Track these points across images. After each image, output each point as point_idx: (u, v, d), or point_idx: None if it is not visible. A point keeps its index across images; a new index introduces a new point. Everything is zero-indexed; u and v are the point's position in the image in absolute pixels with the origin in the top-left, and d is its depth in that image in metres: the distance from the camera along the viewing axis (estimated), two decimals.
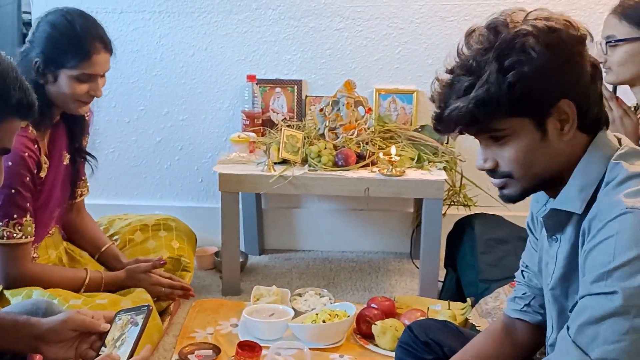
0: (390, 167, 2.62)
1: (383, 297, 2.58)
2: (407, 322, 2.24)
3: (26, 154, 2.12)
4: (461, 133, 1.33)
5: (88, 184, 2.54)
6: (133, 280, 2.38)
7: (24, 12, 4.38)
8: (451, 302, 2.48)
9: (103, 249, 2.51)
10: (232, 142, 2.84)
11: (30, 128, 2.16)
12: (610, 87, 2.19)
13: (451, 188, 2.88)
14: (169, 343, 2.38)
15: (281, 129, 2.75)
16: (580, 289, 1.24)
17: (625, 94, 2.19)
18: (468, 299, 2.45)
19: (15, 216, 2.13)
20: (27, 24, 4.10)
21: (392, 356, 2.10)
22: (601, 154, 1.30)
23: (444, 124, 1.32)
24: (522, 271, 1.60)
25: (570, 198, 1.30)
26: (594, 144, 1.31)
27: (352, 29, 3.07)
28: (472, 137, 1.34)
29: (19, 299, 2.10)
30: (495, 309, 2.23)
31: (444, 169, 2.72)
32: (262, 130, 3.02)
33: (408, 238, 3.19)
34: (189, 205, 3.26)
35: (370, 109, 2.85)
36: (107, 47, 2.21)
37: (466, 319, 2.36)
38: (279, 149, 2.68)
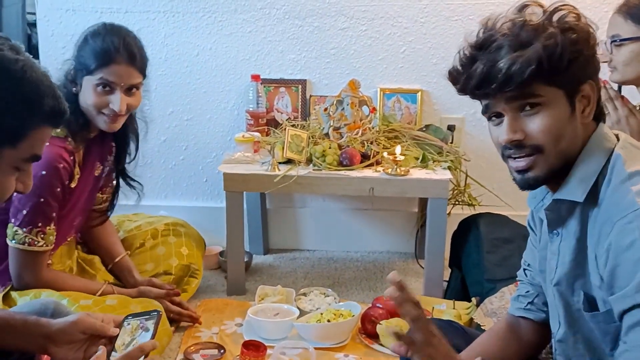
0: (395, 166, 2.62)
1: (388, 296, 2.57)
2: None
3: (61, 165, 2.13)
4: (491, 105, 1.32)
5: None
6: None
7: (29, 13, 4.38)
8: (456, 302, 2.48)
9: (117, 260, 2.52)
10: (237, 141, 2.84)
11: (69, 139, 2.17)
12: (615, 87, 2.19)
13: (456, 187, 2.88)
14: (174, 342, 2.38)
15: (286, 129, 2.75)
16: (618, 302, 1.22)
17: (631, 93, 2.19)
18: (473, 299, 2.45)
19: (39, 224, 2.14)
20: (32, 25, 4.11)
21: (397, 356, 2.10)
22: (602, 145, 1.32)
23: (493, 81, 1.28)
24: (524, 270, 1.60)
25: (572, 188, 1.31)
26: (596, 134, 1.33)
27: (356, 29, 3.07)
28: (482, 129, 1.35)
29: (26, 299, 2.11)
30: (500, 309, 2.23)
31: (449, 168, 2.71)
32: (266, 130, 3.03)
33: (413, 238, 3.19)
34: (193, 205, 3.27)
35: (374, 109, 2.85)
36: (132, 60, 2.19)
37: (471, 319, 2.36)
38: (283, 148, 2.68)
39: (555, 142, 1.29)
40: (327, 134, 2.79)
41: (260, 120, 3.02)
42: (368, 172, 2.66)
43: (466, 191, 2.89)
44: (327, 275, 3.00)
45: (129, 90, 2.20)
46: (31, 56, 1.34)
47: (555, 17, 1.28)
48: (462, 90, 1.36)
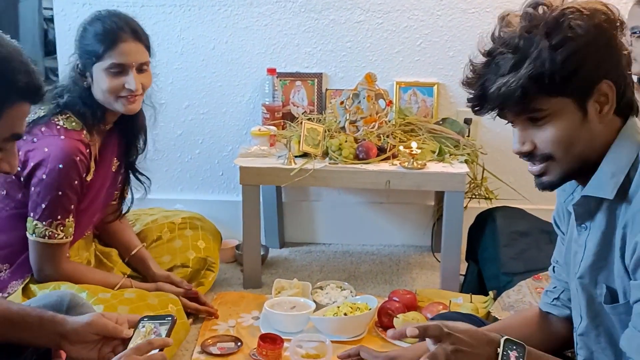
0: (412, 160, 2.61)
1: (404, 290, 2.58)
2: (429, 315, 2.25)
3: (78, 157, 2.14)
4: (501, 115, 1.32)
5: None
6: None
7: (45, 8, 4.41)
8: (473, 296, 2.47)
9: (133, 252, 2.53)
10: (253, 135, 2.84)
11: (85, 132, 2.18)
12: (635, 79, 2.17)
13: (472, 181, 2.86)
14: (191, 335, 2.39)
15: (302, 122, 2.75)
16: (635, 290, 1.23)
17: None
18: (490, 292, 2.44)
19: (59, 217, 2.16)
20: (48, 20, 4.13)
21: None
22: (633, 139, 1.30)
23: (487, 102, 1.29)
24: (553, 266, 1.59)
25: (601, 184, 1.30)
26: (626, 128, 1.30)
27: (372, 22, 3.06)
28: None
29: (45, 292, 2.12)
30: (517, 302, 2.22)
31: (466, 161, 2.70)
32: (282, 124, 3.03)
33: (429, 231, 3.18)
34: (209, 199, 3.27)
35: (390, 102, 2.84)
36: (137, 36, 2.19)
37: (488, 312, 2.35)
38: (299, 142, 2.68)
39: (566, 150, 1.28)
40: (343, 128, 2.79)
41: (276, 113, 3.02)
42: (384, 166, 2.65)
43: (483, 184, 2.88)
44: (343, 269, 3.00)
45: (140, 69, 2.20)
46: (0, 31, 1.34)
47: (559, 22, 1.24)
48: (468, 104, 1.38)
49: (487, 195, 2.87)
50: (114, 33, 2.15)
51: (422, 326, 1.30)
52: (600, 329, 1.38)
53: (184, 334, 2.31)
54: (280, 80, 3.07)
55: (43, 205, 2.13)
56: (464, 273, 2.78)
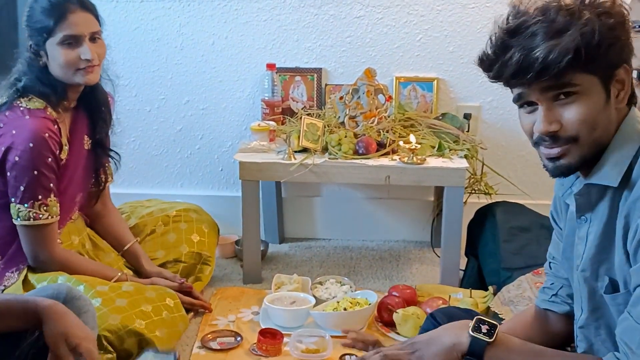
0: (411, 155, 2.61)
1: (404, 285, 2.58)
2: (429, 310, 2.24)
3: (47, 134, 2.14)
4: (525, 94, 1.29)
5: (112, 172, 2.55)
6: None
7: None
8: (473, 291, 2.48)
9: (126, 247, 2.53)
10: (252, 130, 2.84)
11: (49, 109, 2.19)
12: (635, 74, 2.16)
13: (472, 176, 2.87)
14: (191, 330, 2.39)
15: (301, 118, 2.75)
16: (635, 275, 1.23)
17: None
18: (490, 287, 2.44)
19: (40, 197, 2.16)
20: None
21: None
22: (635, 128, 1.30)
23: (530, 70, 1.25)
24: (549, 263, 1.59)
25: (605, 172, 1.30)
26: (629, 118, 1.31)
27: (372, 17, 3.05)
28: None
29: (44, 285, 2.13)
30: (517, 297, 2.22)
31: (465, 157, 2.70)
32: (282, 119, 3.02)
33: (429, 226, 3.18)
34: (209, 194, 3.27)
35: (390, 97, 2.84)
36: (84, 6, 2.19)
37: (488, 307, 2.35)
38: (299, 137, 2.68)
39: (590, 131, 1.27)
40: (342, 123, 2.79)
41: (275, 109, 3.02)
42: (384, 161, 2.65)
43: (483, 180, 2.88)
44: (342, 264, 3.00)
45: (93, 39, 2.20)
46: None
47: (589, 1, 1.26)
48: (496, 78, 1.32)
49: (486, 191, 2.87)
50: (61, 6, 2.15)
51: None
52: (601, 322, 1.38)
53: (183, 327, 2.31)
54: (279, 75, 3.06)
55: (22, 188, 2.14)
56: (463, 268, 2.78)
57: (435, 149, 2.71)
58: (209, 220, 2.78)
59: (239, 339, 2.32)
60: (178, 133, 3.24)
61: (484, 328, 1.34)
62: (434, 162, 2.64)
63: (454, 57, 3.05)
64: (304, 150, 2.70)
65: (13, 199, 2.16)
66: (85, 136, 2.37)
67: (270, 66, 3.01)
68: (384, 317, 2.40)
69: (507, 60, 1.27)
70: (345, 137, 2.70)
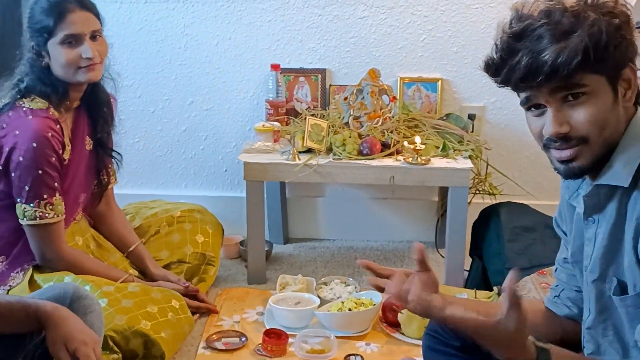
0: (416, 155, 2.61)
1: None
2: None
3: (49, 134, 2.15)
4: (530, 98, 1.29)
5: (116, 173, 2.55)
6: None
7: None
8: (477, 291, 2.47)
9: (131, 249, 2.54)
10: (257, 131, 2.84)
11: (52, 109, 2.19)
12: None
13: (476, 176, 2.86)
14: (196, 331, 2.39)
15: (305, 118, 2.75)
16: None
17: None
18: (495, 288, 2.44)
19: (45, 196, 2.17)
20: None
21: (418, 344, 2.10)
22: None
23: (539, 73, 1.24)
24: (556, 269, 1.59)
25: (615, 172, 1.29)
26: (636, 118, 1.31)
27: (376, 17, 3.05)
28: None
29: (50, 284, 2.13)
30: (522, 297, 2.21)
31: (470, 157, 2.70)
32: (286, 120, 3.03)
33: (433, 227, 3.18)
34: (213, 195, 3.28)
35: (394, 98, 2.84)
36: (84, 5, 2.20)
37: None
38: (303, 137, 2.68)
39: (600, 131, 1.27)
40: (347, 123, 2.79)
41: (279, 109, 3.02)
42: (388, 161, 2.65)
43: (487, 180, 2.88)
44: (347, 265, 3.00)
45: (93, 37, 2.21)
46: None
47: (592, 1, 1.25)
48: (504, 82, 1.31)
49: (491, 191, 2.87)
50: (60, 5, 2.16)
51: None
52: (608, 323, 1.38)
53: (188, 328, 2.32)
54: (283, 76, 3.06)
55: (27, 188, 2.15)
56: (468, 268, 2.78)
57: (440, 149, 2.71)
58: (213, 221, 2.78)
59: (244, 339, 2.33)
60: (182, 134, 3.25)
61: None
62: (438, 162, 2.64)
63: (458, 57, 3.05)
64: (308, 150, 2.70)
65: (19, 199, 2.17)
66: (87, 136, 2.38)
67: (275, 67, 3.01)
68: (389, 317, 2.40)
69: (515, 64, 1.26)
70: (350, 137, 2.70)
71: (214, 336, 2.34)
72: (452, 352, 1.67)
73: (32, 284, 2.20)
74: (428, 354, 1.74)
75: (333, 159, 2.66)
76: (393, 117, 2.83)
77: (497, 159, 3.00)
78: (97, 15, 2.24)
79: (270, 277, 2.81)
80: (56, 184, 2.19)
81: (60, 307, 1.55)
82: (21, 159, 2.13)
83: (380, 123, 2.77)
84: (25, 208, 2.16)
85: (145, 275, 2.51)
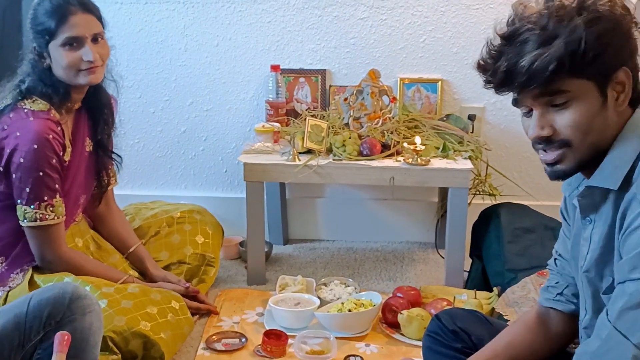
0: (416, 156, 2.61)
1: (409, 286, 2.58)
2: (433, 312, 2.24)
3: (50, 136, 2.15)
4: (519, 100, 1.30)
5: (116, 174, 2.55)
6: None
7: None
8: (477, 292, 2.47)
9: (131, 250, 2.54)
10: (257, 132, 2.84)
11: (53, 111, 2.19)
12: None
13: (476, 177, 2.86)
14: (196, 331, 2.39)
15: (305, 119, 2.75)
16: (617, 273, 1.23)
17: None
18: (495, 289, 2.44)
19: (45, 198, 2.16)
20: None
21: (418, 345, 2.10)
22: (639, 130, 1.29)
23: (516, 77, 1.26)
24: (554, 259, 1.58)
25: (606, 175, 1.30)
26: (632, 120, 1.30)
27: (376, 18, 3.05)
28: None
29: (49, 284, 2.13)
30: (522, 298, 2.22)
31: (470, 158, 2.70)
32: (286, 120, 3.03)
33: (433, 228, 3.18)
34: (213, 196, 3.28)
35: (394, 98, 2.84)
36: (86, 7, 2.20)
37: (493, 309, 2.35)
38: (303, 138, 2.68)
39: (583, 137, 1.27)
40: (347, 124, 2.79)
41: (280, 110, 3.02)
42: (388, 162, 2.65)
43: (487, 181, 2.88)
44: (347, 265, 3.00)
45: (95, 40, 2.21)
46: None
47: (585, 4, 1.25)
48: (488, 84, 1.34)
49: (491, 192, 2.87)
50: (62, 8, 2.16)
51: None
52: None
53: (188, 329, 2.31)
54: (283, 76, 3.06)
55: (27, 189, 2.14)
56: (468, 269, 2.78)
57: (440, 150, 2.71)
58: (213, 222, 2.78)
59: (243, 340, 2.33)
60: (182, 134, 3.25)
61: None
62: (438, 163, 2.64)
63: (458, 58, 3.05)
64: (308, 151, 2.70)
65: (19, 201, 2.16)
66: (87, 138, 2.38)
67: (275, 67, 3.01)
68: (389, 318, 2.40)
69: (497, 68, 1.29)
70: (350, 138, 2.70)
71: (213, 337, 2.34)
72: (452, 353, 1.68)
73: (32, 285, 2.19)
74: (428, 355, 1.74)
75: (333, 160, 2.66)
76: (393, 117, 2.83)
77: (497, 160, 3.00)
78: (99, 18, 2.24)
79: (270, 278, 2.81)
80: (57, 185, 2.19)
81: None
82: (22, 160, 2.13)
83: (380, 124, 2.77)
84: (25, 209, 2.16)
85: (145, 276, 2.51)
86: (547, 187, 3.08)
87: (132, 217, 2.71)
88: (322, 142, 2.69)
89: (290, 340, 2.28)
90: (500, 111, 3.08)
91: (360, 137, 2.73)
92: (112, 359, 2.02)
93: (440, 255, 3.03)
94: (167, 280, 2.48)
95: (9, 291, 2.19)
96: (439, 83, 3.06)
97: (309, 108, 3.11)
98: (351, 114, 2.77)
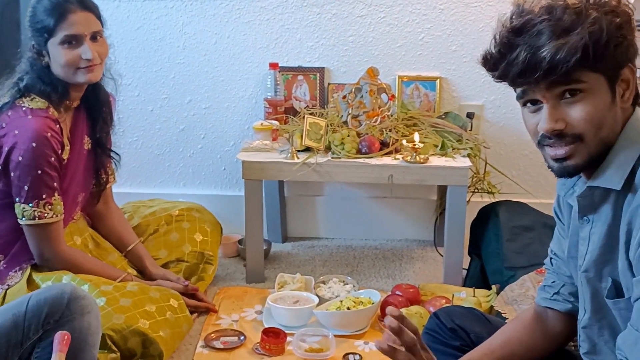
0: (414, 154, 2.61)
1: (407, 284, 2.58)
2: (432, 309, 2.24)
3: (49, 134, 2.15)
4: (529, 92, 1.27)
5: (115, 172, 2.55)
6: None
7: None
8: (476, 290, 2.47)
9: (129, 248, 2.54)
10: (255, 130, 2.84)
11: (51, 109, 2.19)
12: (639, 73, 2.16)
13: (475, 175, 2.86)
14: (194, 329, 2.39)
15: (304, 117, 2.75)
16: (637, 286, 1.21)
17: None
18: (493, 286, 2.44)
19: (44, 196, 2.16)
20: None
21: None
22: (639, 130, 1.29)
23: (537, 69, 1.23)
24: (550, 259, 1.58)
25: (608, 175, 1.28)
26: (633, 119, 1.30)
27: (374, 16, 3.05)
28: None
29: (48, 284, 2.13)
30: (520, 296, 2.22)
31: (468, 156, 2.70)
32: (284, 118, 3.02)
33: (431, 225, 3.18)
34: (212, 194, 3.28)
35: (393, 96, 2.83)
36: (85, 5, 2.19)
37: (491, 307, 2.35)
38: (302, 136, 2.68)
39: (596, 130, 1.26)
40: (345, 122, 2.78)
41: (278, 108, 3.02)
42: (387, 160, 2.65)
43: (485, 179, 2.88)
44: (345, 263, 3.00)
45: (94, 38, 2.20)
46: None
47: (594, 0, 1.25)
48: (501, 77, 1.30)
49: (489, 190, 2.87)
50: (61, 6, 2.16)
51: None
52: (604, 322, 1.37)
53: (187, 327, 2.31)
54: (282, 74, 3.06)
55: (26, 187, 2.14)
56: (466, 267, 2.78)
57: (438, 148, 2.71)
58: (211, 220, 2.78)
59: (242, 338, 2.32)
60: (180, 132, 3.24)
61: None
62: (436, 161, 2.64)
63: (456, 56, 3.05)
64: (307, 149, 2.70)
65: (17, 199, 2.16)
66: (86, 136, 2.37)
67: (273, 65, 3.01)
68: None
69: (513, 59, 1.25)
70: (348, 136, 2.69)
71: (212, 335, 2.33)
72: (450, 351, 1.67)
73: (31, 283, 2.20)
74: None
75: (332, 158, 2.66)
76: (392, 115, 2.83)
77: (496, 158, 3.00)
78: (98, 16, 2.24)
79: (269, 275, 2.81)
80: (55, 183, 2.19)
81: None
82: (21, 158, 2.12)
83: (378, 122, 2.77)
84: (24, 208, 2.16)
85: (144, 274, 2.51)
86: (546, 185, 3.08)
87: (130, 215, 2.71)
88: (320, 140, 2.69)
89: (289, 338, 2.27)
90: (499, 109, 3.08)
91: (358, 135, 2.73)
92: (110, 357, 2.02)
93: (439, 253, 3.03)
94: (166, 279, 2.48)
95: (7, 289, 2.19)
96: (438, 81, 3.06)
97: (307, 106, 3.11)
98: (350, 111, 2.77)
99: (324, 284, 2.64)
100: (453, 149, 2.73)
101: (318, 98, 3.12)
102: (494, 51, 1.29)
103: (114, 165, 2.52)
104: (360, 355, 2.23)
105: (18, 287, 2.18)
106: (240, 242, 3.05)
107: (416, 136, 2.65)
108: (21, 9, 3.69)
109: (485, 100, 3.08)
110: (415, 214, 3.25)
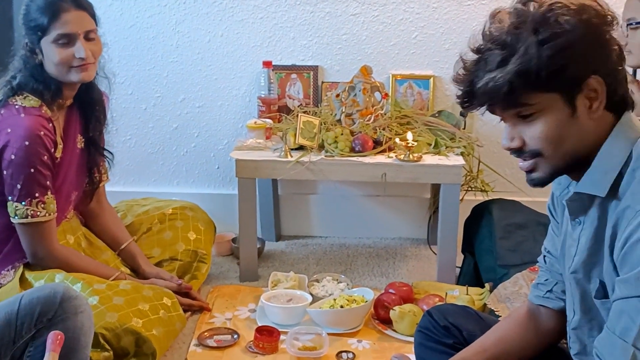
0: (408, 152, 2.61)
1: (401, 282, 2.58)
2: (425, 308, 2.25)
3: (42, 132, 2.14)
4: (491, 110, 1.31)
5: (108, 171, 2.55)
6: None
7: None
8: (469, 288, 2.48)
9: (123, 247, 2.53)
10: (249, 128, 2.84)
11: (44, 107, 2.19)
12: (630, 71, 2.17)
13: (468, 173, 2.87)
14: (188, 328, 2.39)
15: (297, 115, 2.75)
16: (622, 287, 1.21)
17: None
18: (486, 284, 2.45)
19: (37, 195, 2.16)
20: None
21: (410, 341, 2.10)
22: (626, 135, 1.28)
23: (475, 98, 1.29)
24: (544, 256, 1.58)
25: (594, 181, 1.29)
26: (619, 125, 1.29)
27: (368, 14, 3.05)
28: (495, 116, 1.33)
29: (41, 283, 2.13)
30: (514, 294, 2.22)
31: (462, 154, 2.70)
32: (278, 117, 3.02)
33: (425, 224, 3.18)
34: (205, 192, 3.27)
35: (386, 95, 2.84)
36: (79, 4, 2.18)
37: (484, 304, 2.35)
38: (295, 135, 2.68)
39: (555, 147, 1.28)
40: (339, 120, 2.79)
41: (272, 106, 3.02)
42: (380, 158, 2.65)
43: (479, 177, 2.88)
44: (339, 262, 3.00)
45: (88, 37, 2.20)
46: None
47: (546, 18, 1.23)
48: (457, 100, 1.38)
49: (483, 188, 2.87)
50: (55, 4, 2.15)
51: None
52: (594, 323, 1.38)
53: (180, 326, 2.31)
54: (276, 73, 3.06)
55: (19, 186, 2.14)
56: (460, 265, 2.79)
57: (432, 146, 2.72)
58: (205, 218, 2.78)
59: (235, 336, 2.33)
60: (174, 131, 3.24)
61: None
62: (430, 159, 2.65)
63: (450, 54, 3.05)
64: (301, 147, 2.70)
65: (10, 198, 2.16)
66: (79, 135, 2.37)
67: (267, 64, 3.01)
68: (381, 314, 2.40)
69: (459, 89, 1.32)
70: (342, 134, 2.70)
71: (205, 333, 2.33)
72: (443, 349, 1.68)
73: (23, 282, 2.19)
74: (420, 351, 1.75)
75: (325, 156, 2.66)
76: (385, 114, 2.83)
77: (489, 156, 3.00)
78: (92, 15, 2.23)
79: (262, 274, 2.81)
80: (48, 182, 2.19)
81: None
82: (13, 157, 2.12)
83: (372, 120, 2.77)
84: (17, 206, 2.16)
85: (138, 273, 2.51)
86: (534, 187, 3.08)
87: (123, 214, 2.70)
88: (314, 139, 2.69)
89: (282, 337, 2.28)
90: None
91: (352, 133, 2.73)
92: (103, 356, 2.02)
93: (433, 251, 3.04)
94: (159, 277, 2.48)
95: None
96: (431, 79, 3.06)
97: (301, 104, 3.11)
98: (343, 110, 2.77)
99: (318, 282, 2.64)
100: (446, 147, 2.74)
101: (311, 96, 3.12)
102: (455, 75, 1.35)
103: (107, 164, 2.52)
104: (353, 353, 2.24)
105: (11, 285, 2.18)
106: (233, 240, 3.04)
107: (409, 135, 2.66)
108: (14, 7, 3.68)
109: None
110: (409, 212, 3.25)
